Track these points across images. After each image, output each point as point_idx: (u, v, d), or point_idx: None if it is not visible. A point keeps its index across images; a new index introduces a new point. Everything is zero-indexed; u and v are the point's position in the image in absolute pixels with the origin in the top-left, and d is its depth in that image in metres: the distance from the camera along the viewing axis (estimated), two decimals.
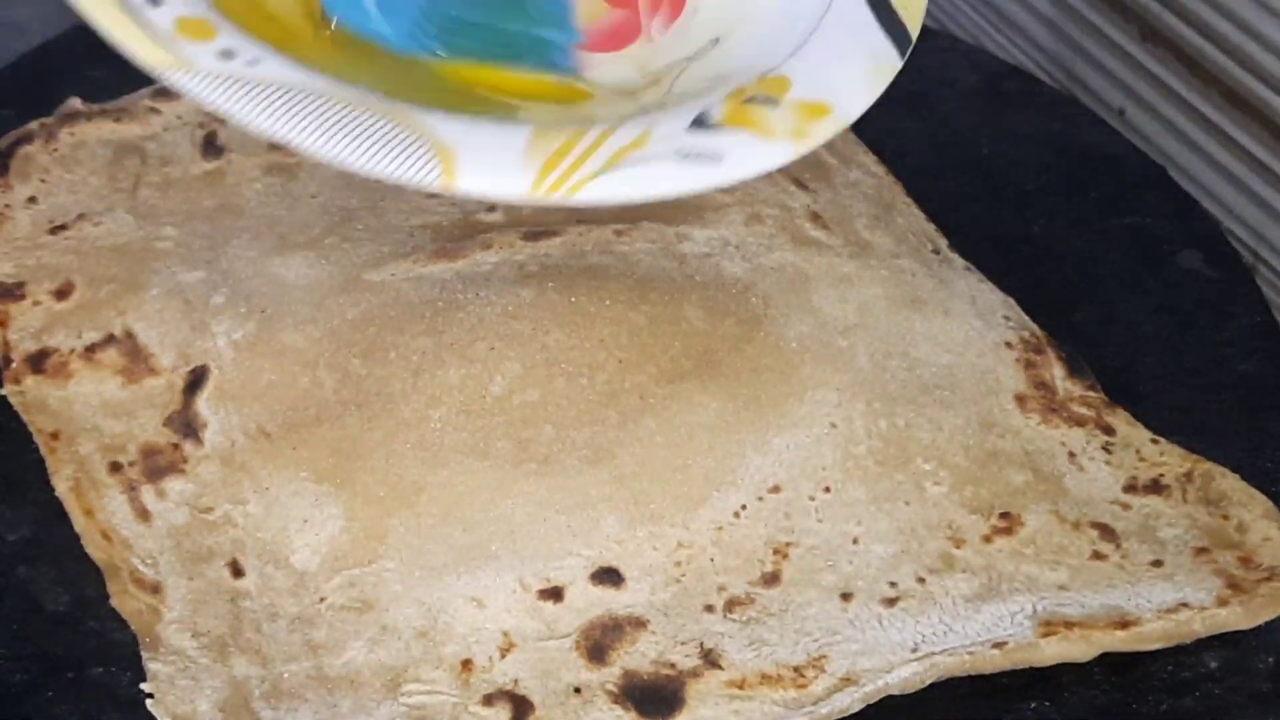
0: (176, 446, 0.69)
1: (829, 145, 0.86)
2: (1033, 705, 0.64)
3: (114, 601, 0.64)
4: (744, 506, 0.68)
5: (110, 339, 0.72)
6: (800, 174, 0.84)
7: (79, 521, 0.67)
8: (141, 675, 0.62)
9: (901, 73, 0.94)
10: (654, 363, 0.72)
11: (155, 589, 0.64)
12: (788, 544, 0.67)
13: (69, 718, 0.62)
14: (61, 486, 0.68)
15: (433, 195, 0.79)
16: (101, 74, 0.89)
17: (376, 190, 0.81)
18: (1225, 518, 0.69)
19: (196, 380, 0.71)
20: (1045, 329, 0.78)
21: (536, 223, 0.78)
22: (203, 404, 0.70)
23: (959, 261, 0.81)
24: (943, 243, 0.82)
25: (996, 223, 0.86)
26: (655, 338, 0.72)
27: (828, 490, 0.69)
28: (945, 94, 0.94)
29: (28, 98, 0.86)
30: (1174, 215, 0.87)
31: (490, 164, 0.62)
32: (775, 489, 0.69)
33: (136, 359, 0.72)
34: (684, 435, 0.70)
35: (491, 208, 0.80)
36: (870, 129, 0.90)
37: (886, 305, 0.77)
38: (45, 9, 1.08)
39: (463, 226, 0.79)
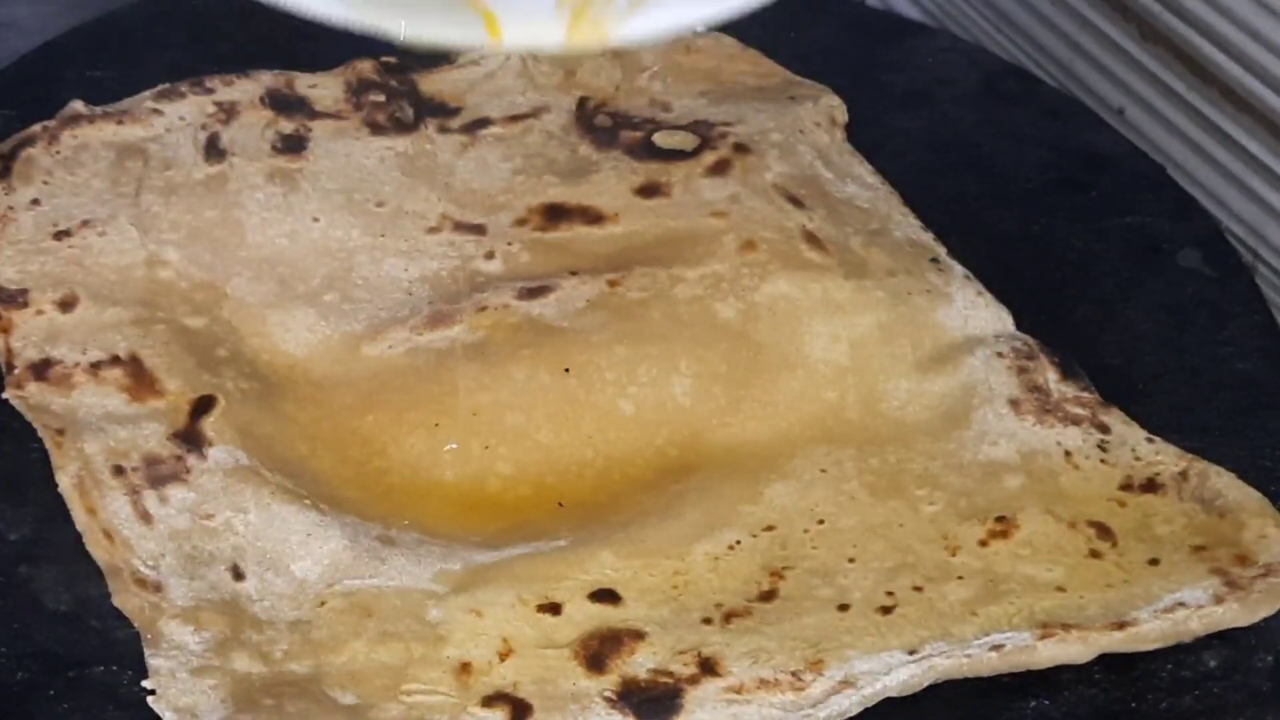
0: (180, 458, 0.69)
1: (824, 159, 0.86)
2: (1032, 704, 0.65)
3: (115, 600, 0.65)
4: (738, 541, 0.69)
5: (115, 360, 0.73)
6: (796, 190, 0.84)
7: (81, 519, 0.67)
8: (142, 674, 0.63)
9: (901, 72, 0.95)
10: (641, 455, 0.73)
11: (157, 588, 0.65)
12: (784, 568, 0.68)
13: (70, 716, 0.62)
14: (65, 482, 0.68)
15: (433, 230, 0.82)
16: (102, 74, 0.90)
17: (377, 217, 0.82)
18: (1221, 516, 0.69)
19: (204, 406, 0.71)
20: (1044, 328, 0.79)
21: (531, 275, 0.79)
22: (209, 427, 0.70)
23: (958, 270, 0.81)
24: (941, 250, 0.82)
25: (996, 222, 0.86)
26: (641, 428, 0.74)
27: (821, 523, 0.70)
28: (945, 93, 0.94)
29: (28, 98, 0.87)
30: (1173, 214, 0.87)
31: (527, 18, 0.62)
32: (769, 528, 0.70)
33: (142, 381, 0.72)
34: (673, 498, 0.71)
35: (489, 255, 0.80)
36: (870, 128, 0.91)
37: (880, 337, 0.77)
38: (45, 9, 1.08)
39: (461, 279, 0.80)
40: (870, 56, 0.96)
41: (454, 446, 0.73)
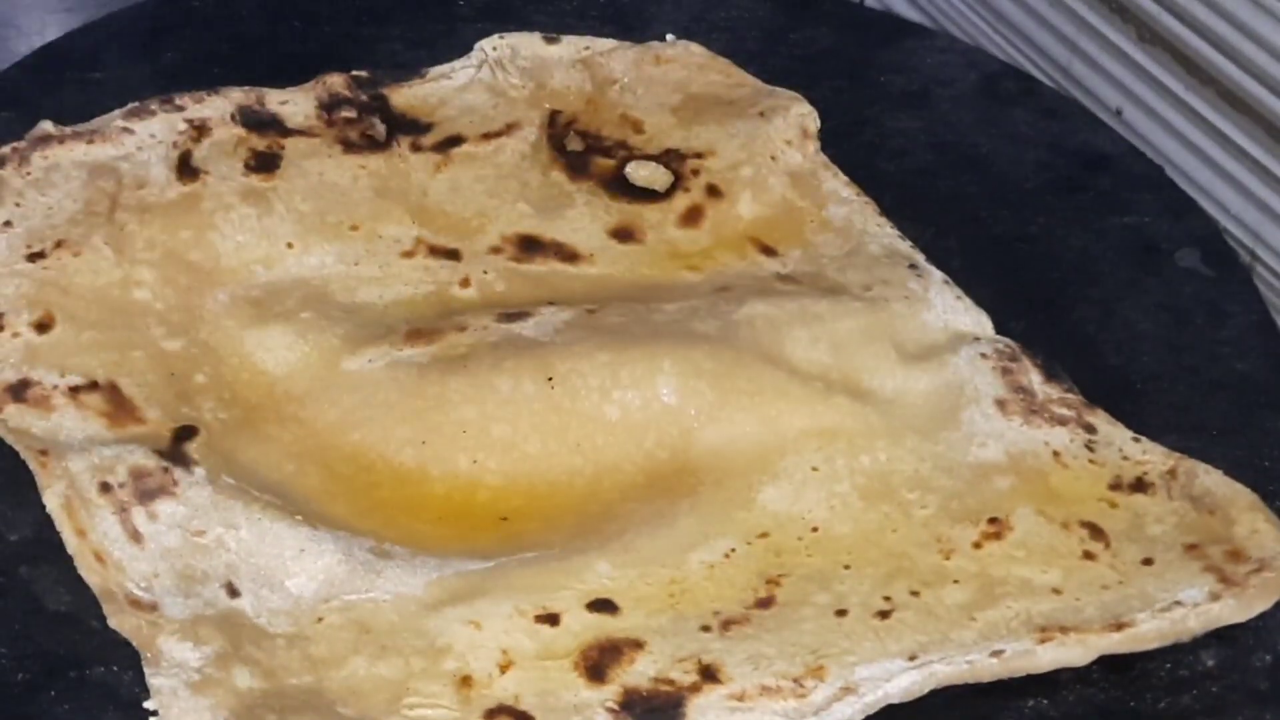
0: (167, 470, 0.71)
1: (797, 186, 0.87)
2: (1030, 704, 0.67)
3: (112, 622, 0.67)
4: (733, 549, 0.71)
5: (94, 385, 0.74)
6: (769, 235, 0.86)
7: (71, 543, 0.69)
8: (143, 674, 0.63)
9: (900, 72, 0.95)
10: (630, 460, 0.75)
11: (153, 608, 0.66)
12: (780, 575, 0.71)
13: (71, 717, 0.64)
14: (53, 503, 0.70)
15: (407, 255, 0.83)
16: (101, 75, 0.91)
17: (351, 241, 0.83)
18: (1211, 513, 0.73)
19: (185, 434, 0.73)
20: (1042, 328, 0.82)
21: (508, 303, 0.82)
22: (193, 451, 0.72)
23: (936, 275, 0.84)
24: (919, 257, 0.85)
25: (994, 222, 0.89)
26: (629, 431, 0.76)
27: (815, 530, 0.72)
28: (943, 94, 0.96)
29: (28, 99, 0.87)
30: (1171, 214, 0.89)
31: None
32: (763, 535, 0.72)
33: (121, 408, 0.74)
34: (666, 505, 0.73)
35: (465, 283, 0.82)
36: (869, 129, 0.93)
37: (860, 338, 0.80)
38: (45, 10, 1.08)
39: (436, 304, 0.82)
40: (869, 57, 0.98)
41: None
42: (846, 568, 0.70)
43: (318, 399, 0.76)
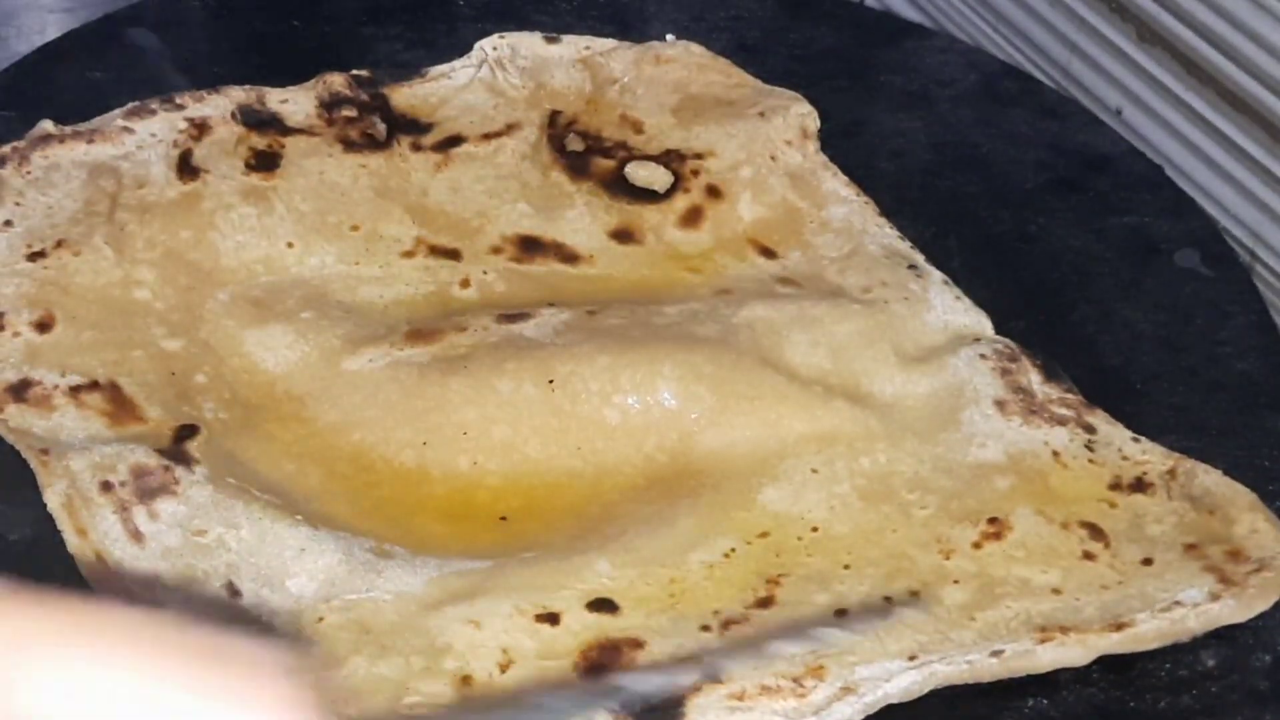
0: (167, 469, 0.71)
1: (797, 186, 0.86)
2: (1030, 704, 0.68)
3: None
4: (733, 549, 0.72)
5: (95, 385, 0.75)
6: (770, 237, 0.86)
7: (72, 542, 0.69)
8: None
9: (900, 72, 0.95)
10: (630, 463, 0.75)
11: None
12: (780, 575, 0.71)
13: None
14: (54, 502, 0.70)
15: (407, 255, 0.83)
16: (101, 75, 0.91)
17: (351, 242, 0.83)
18: (1211, 512, 0.73)
19: (186, 433, 0.74)
20: (1042, 328, 0.82)
21: (509, 304, 0.82)
22: (194, 449, 0.73)
23: (935, 275, 0.84)
24: (919, 257, 0.86)
25: (994, 222, 0.89)
26: (629, 435, 0.76)
27: (815, 530, 0.73)
28: (943, 94, 0.96)
29: (28, 99, 0.88)
30: (1171, 214, 0.90)
31: None
32: (763, 535, 0.72)
33: (122, 407, 0.75)
34: (665, 506, 0.73)
35: (465, 283, 0.83)
36: (869, 129, 0.93)
37: (859, 341, 0.80)
38: (45, 9, 1.08)
39: (436, 304, 0.82)
40: (869, 57, 0.99)
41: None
42: (846, 568, 0.70)
43: (318, 399, 0.76)
